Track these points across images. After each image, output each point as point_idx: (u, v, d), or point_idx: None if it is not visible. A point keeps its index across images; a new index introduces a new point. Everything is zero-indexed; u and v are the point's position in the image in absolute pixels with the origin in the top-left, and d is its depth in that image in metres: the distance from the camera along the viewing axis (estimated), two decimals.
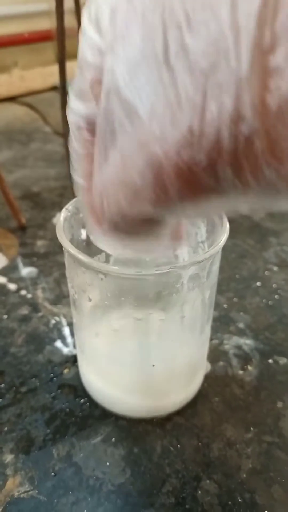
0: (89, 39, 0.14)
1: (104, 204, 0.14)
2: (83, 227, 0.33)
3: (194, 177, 0.12)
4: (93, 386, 0.34)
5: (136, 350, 0.31)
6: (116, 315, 0.31)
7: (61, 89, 0.50)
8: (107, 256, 0.36)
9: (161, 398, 0.34)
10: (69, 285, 0.31)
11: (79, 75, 0.15)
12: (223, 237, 0.26)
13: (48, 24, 1.10)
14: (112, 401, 0.34)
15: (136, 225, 0.15)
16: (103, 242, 0.17)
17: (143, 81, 0.12)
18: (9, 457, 0.31)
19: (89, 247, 0.34)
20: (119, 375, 0.32)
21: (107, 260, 0.36)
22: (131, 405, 0.34)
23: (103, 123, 0.14)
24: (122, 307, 0.30)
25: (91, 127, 0.15)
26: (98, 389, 0.34)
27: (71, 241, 0.31)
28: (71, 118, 0.16)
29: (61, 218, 0.30)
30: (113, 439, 0.33)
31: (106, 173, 0.14)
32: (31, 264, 0.50)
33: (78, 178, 0.17)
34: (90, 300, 0.30)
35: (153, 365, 0.31)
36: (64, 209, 0.31)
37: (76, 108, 0.15)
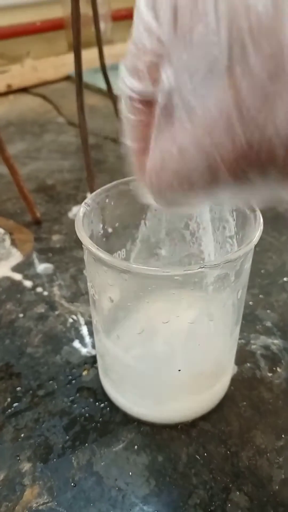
0: (146, 23, 0.14)
1: (154, 175, 0.15)
2: (103, 222, 0.31)
3: (247, 177, 0.13)
4: (114, 392, 0.33)
5: (161, 355, 0.29)
6: (139, 317, 0.29)
7: (77, 78, 0.48)
8: (128, 252, 0.34)
9: (186, 403, 0.32)
10: (89, 284, 0.29)
11: (134, 54, 0.15)
12: (257, 233, 0.24)
13: (60, 12, 1.07)
14: (134, 407, 0.32)
15: (177, 197, 0.16)
16: (145, 195, 0.18)
17: (206, 91, 0.12)
18: (26, 466, 0.30)
19: (108, 243, 0.32)
20: (142, 380, 0.30)
21: (127, 257, 0.34)
22: (154, 410, 0.32)
23: (160, 118, 0.14)
24: (146, 309, 0.28)
25: (145, 99, 0.15)
26: (120, 396, 0.32)
27: (91, 237, 0.29)
28: (124, 91, 0.16)
29: (80, 213, 0.28)
30: (136, 446, 0.31)
31: (161, 152, 0.15)
32: (47, 260, 0.48)
33: (129, 141, 0.17)
34: (111, 301, 0.28)
35: (179, 370, 0.29)
36: (83, 204, 0.29)
37: (131, 84, 0.15)
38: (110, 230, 0.32)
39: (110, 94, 0.72)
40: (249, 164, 0.12)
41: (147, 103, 0.15)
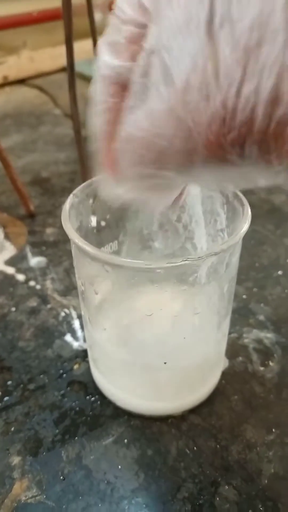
0: None
1: (124, 154, 0.15)
2: (93, 213, 0.31)
3: (220, 150, 0.12)
4: (104, 383, 0.33)
5: (146, 347, 0.29)
6: (125, 310, 0.29)
7: (69, 69, 0.48)
8: (120, 244, 0.33)
9: (174, 396, 0.32)
10: (76, 276, 0.29)
11: (115, 27, 0.14)
12: (244, 226, 0.24)
13: (58, 2, 1.06)
14: (124, 398, 0.32)
15: (148, 180, 0.15)
16: (112, 186, 0.17)
17: (183, 50, 0.12)
18: (16, 459, 0.30)
19: (100, 235, 0.32)
20: (129, 372, 0.30)
21: (119, 249, 0.34)
22: (143, 403, 0.32)
23: (139, 79, 0.13)
24: (131, 301, 0.28)
25: (120, 80, 0.15)
26: (109, 386, 0.32)
27: (79, 228, 0.29)
28: (101, 70, 0.15)
29: (67, 205, 0.28)
30: (126, 440, 0.31)
31: (133, 126, 0.14)
32: (40, 254, 0.48)
33: (100, 124, 0.16)
34: (96, 293, 0.28)
35: (165, 363, 0.28)
36: (71, 195, 0.28)
37: (109, 61, 0.15)
38: (101, 222, 0.32)
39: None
40: (225, 134, 0.12)
41: (122, 86, 0.14)
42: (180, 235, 0.34)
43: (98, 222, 0.32)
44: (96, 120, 0.16)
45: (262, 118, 0.11)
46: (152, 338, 0.29)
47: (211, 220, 0.32)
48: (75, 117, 0.49)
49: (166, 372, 0.29)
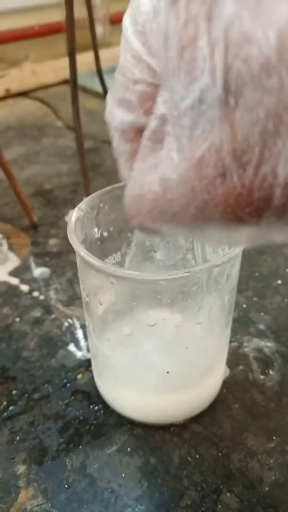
0: (134, 51, 0.13)
1: (132, 208, 0.15)
2: (97, 226, 0.32)
3: (238, 219, 0.12)
4: (107, 392, 0.33)
5: (149, 357, 0.29)
6: (128, 320, 0.29)
7: (72, 83, 0.49)
8: (123, 255, 0.34)
9: (177, 405, 0.32)
10: (81, 287, 0.30)
11: (122, 84, 0.14)
12: None
13: (59, 16, 1.08)
14: (127, 407, 0.33)
15: (154, 233, 0.15)
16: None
17: (196, 127, 0.11)
18: (21, 468, 0.30)
19: (103, 246, 0.33)
20: (132, 381, 0.31)
21: (122, 260, 0.34)
22: (146, 412, 0.32)
23: (150, 142, 0.13)
24: (135, 311, 0.29)
25: (135, 129, 0.14)
26: (112, 396, 0.33)
27: (84, 241, 0.30)
28: (113, 123, 0.15)
29: (73, 218, 0.28)
30: (129, 448, 0.31)
31: (143, 188, 0.14)
32: (44, 264, 0.49)
33: (122, 170, 0.16)
34: (101, 304, 0.29)
35: (167, 372, 0.29)
36: (76, 209, 0.29)
37: (120, 116, 0.14)
38: (105, 234, 0.33)
39: (105, 96, 0.72)
40: (242, 207, 0.11)
41: (138, 130, 0.14)
42: (181, 246, 0.35)
43: (101, 234, 0.32)
44: (120, 166, 0.16)
45: (280, 196, 0.11)
46: (155, 348, 0.29)
47: None
48: (78, 130, 0.50)
49: (168, 381, 0.30)
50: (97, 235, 0.32)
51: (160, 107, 0.13)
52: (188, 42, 0.11)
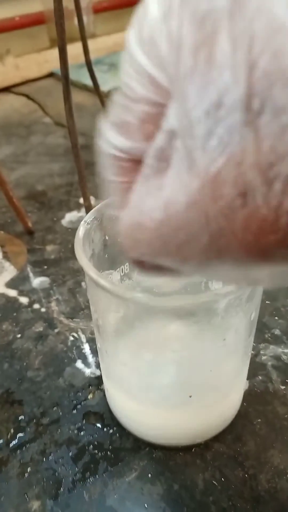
0: (138, 65, 0.11)
1: (128, 240, 0.12)
2: (104, 238, 0.29)
3: (262, 251, 0.10)
4: (123, 416, 0.31)
5: (171, 382, 0.27)
6: (147, 343, 0.27)
7: (63, 79, 0.46)
8: (131, 267, 0.32)
9: (197, 425, 0.30)
10: (92, 308, 0.28)
11: (122, 105, 0.12)
12: None
13: (40, 6, 1.04)
14: (145, 432, 0.30)
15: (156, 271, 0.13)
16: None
17: (213, 137, 0.09)
18: (35, 504, 0.28)
19: (110, 259, 0.30)
20: (151, 405, 0.29)
21: (131, 271, 0.32)
22: (165, 434, 0.30)
23: (154, 162, 0.11)
24: (154, 334, 0.26)
25: (131, 157, 0.12)
26: (128, 420, 0.31)
27: (92, 256, 0.27)
28: (106, 149, 0.13)
29: (80, 233, 0.26)
30: (150, 474, 0.29)
31: (143, 215, 0.12)
32: (42, 273, 0.46)
33: (114, 206, 0.14)
34: (115, 326, 0.27)
35: (190, 396, 0.27)
36: (82, 223, 0.27)
37: (117, 142, 0.12)
38: (111, 245, 0.30)
39: (97, 91, 0.69)
40: (267, 234, 0.09)
41: (135, 161, 0.12)
42: None
43: (108, 246, 0.30)
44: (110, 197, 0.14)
45: None
46: (177, 372, 0.27)
47: None
48: (72, 129, 0.48)
49: (191, 406, 0.27)
50: (103, 248, 0.30)
51: (169, 120, 0.11)
52: (205, 38, 0.09)
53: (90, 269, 0.23)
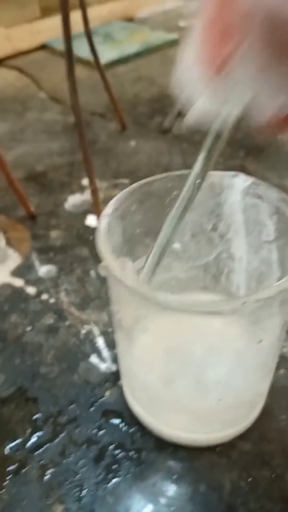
0: None
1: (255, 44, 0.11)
2: (124, 230, 0.28)
3: None
4: (145, 416, 0.30)
5: (200, 386, 0.26)
6: (174, 342, 0.26)
7: (67, 53, 0.43)
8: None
9: (224, 425, 0.29)
10: (115, 307, 0.26)
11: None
12: None
13: None
14: (168, 432, 0.29)
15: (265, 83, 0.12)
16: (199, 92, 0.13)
17: None
18: (59, 508, 0.27)
19: (130, 250, 0.29)
20: (177, 409, 0.28)
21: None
22: (190, 434, 0.29)
23: None
24: (184, 337, 0.25)
25: None
26: (151, 420, 0.29)
27: (113, 251, 0.26)
28: None
29: (101, 227, 0.24)
30: (175, 476, 0.28)
31: None
32: (48, 261, 0.44)
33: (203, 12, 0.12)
34: (139, 326, 0.25)
35: (220, 400, 0.26)
36: (104, 216, 0.25)
37: None
38: (131, 237, 0.29)
39: (97, 65, 0.66)
40: None
41: None
42: (214, 245, 0.31)
43: (127, 239, 0.28)
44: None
45: None
46: (207, 376, 0.26)
47: (254, 230, 0.29)
48: (76, 107, 0.45)
49: (219, 408, 0.26)
50: (122, 240, 0.28)
51: None
52: None
53: (118, 272, 0.21)
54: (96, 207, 0.48)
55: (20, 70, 0.88)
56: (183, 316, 0.23)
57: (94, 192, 0.47)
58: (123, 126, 0.68)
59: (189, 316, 0.23)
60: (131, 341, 0.26)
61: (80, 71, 0.84)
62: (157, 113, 0.71)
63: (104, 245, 0.23)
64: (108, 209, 0.26)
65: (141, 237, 0.29)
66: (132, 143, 0.64)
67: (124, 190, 0.27)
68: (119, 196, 0.27)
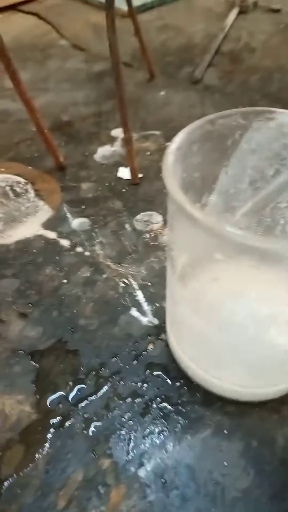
0: None
1: None
2: (183, 171, 0.25)
3: None
4: (192, 368, 0.29)
5: (265, 335, 0.24)
6: (228, 289, 0.24)
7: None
8: (203, 206, 0.28)
9: (275, 382, 0.28)
10: (172, 244, 0.24)
11: None
12: None
13: None
14: (218, 386, 0.28)
15: None
16: None
17: None
18: (106, 462, 0.26)
19: (195, 189, 0.27)
20: (228, 360, 0.26)
21: (202, 209, 0.28)
22: (239, 389, 0.28)
23: None
24: (235, 278, 0.23)
25: None
26: (199, 372, 0.28)
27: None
28: None
29: (169, 159, 0.22)
30: (226, 431, 0.27)
31: None
32: (81, 214, 0.43)
33: None
34: (215, 279, 0.23)
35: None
36: (171, 149, 0.22)
37: None
38: (186, 180, 0.26)
39: (129, 8, 0.62)
40: None
41: None
42: (274, 194, 0.29)
43: (186, 181, 0.26)
44: None
45: None
46: (260, 323, 0.24)
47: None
48: (114, 47, 0.42)
49: (270, 358, 0.25)
50: (182, 183, 0.26)
51: None
52: None
53: (187, 206, 0.19)
54: (129, 157, 0.45)
55: (38, 16, 0.83)
56: (252, 260, 0.21)
57: (129, 141, 0.44)
58: (152, 75, 0.64)
59: (257, 262, 0.22)
60: (187, 286, 0.25)
61: (103, 18, 0.80)
62: (186, 63, 0.68)
63: (172, 182, 0.21)
64: (173, 146, 0.23)
65: (196, 182, 0.27)
66: (162, 93, 0.60)
67: (185, 129, 0.25)
68: (182, 134, 0.24)
